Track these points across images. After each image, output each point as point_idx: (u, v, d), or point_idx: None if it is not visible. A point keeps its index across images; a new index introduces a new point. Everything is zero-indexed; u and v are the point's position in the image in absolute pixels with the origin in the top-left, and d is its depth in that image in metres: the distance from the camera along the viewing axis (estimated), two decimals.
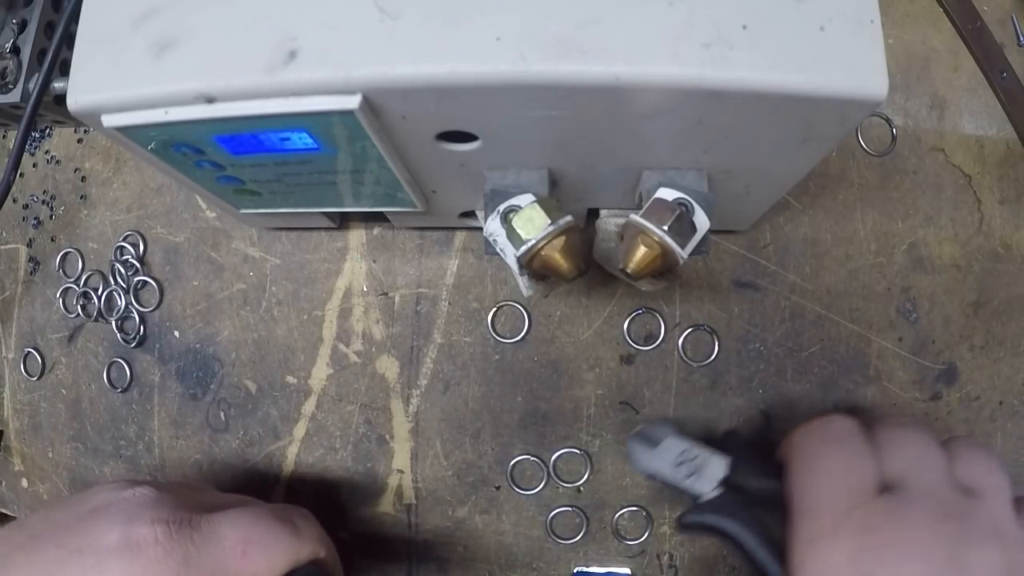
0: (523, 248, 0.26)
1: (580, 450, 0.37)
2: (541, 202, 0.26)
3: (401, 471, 0.39)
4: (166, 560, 0.25)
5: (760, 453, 0.31)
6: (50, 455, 0.43)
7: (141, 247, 0.41)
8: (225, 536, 0.27)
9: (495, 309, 0.38)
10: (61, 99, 0.37)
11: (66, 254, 0.42)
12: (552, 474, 0.38)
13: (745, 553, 0.29)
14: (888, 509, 0.26)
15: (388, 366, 0.38)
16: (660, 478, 0.31)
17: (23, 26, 0.36)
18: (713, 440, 0.32)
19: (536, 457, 0.38)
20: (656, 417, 0.33)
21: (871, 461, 0.27)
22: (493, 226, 0.27)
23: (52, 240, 0.43)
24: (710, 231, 0.27)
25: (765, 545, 0.28)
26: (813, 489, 0.28)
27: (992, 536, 0.25)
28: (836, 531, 0.26)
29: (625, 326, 0.37)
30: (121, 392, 0.41)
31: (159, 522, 0.26)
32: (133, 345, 0.41)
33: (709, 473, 0.30)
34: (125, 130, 0.23)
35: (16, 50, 0.36)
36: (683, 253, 0.25)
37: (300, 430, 0.39)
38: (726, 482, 0.30)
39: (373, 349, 0.38)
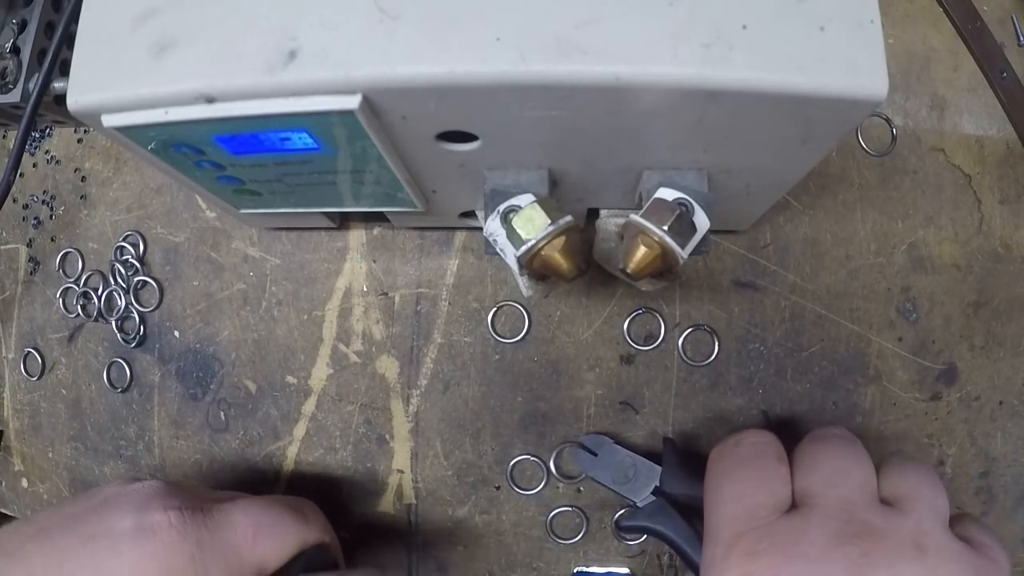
0: (523, 248, 0.26)
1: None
2: (541, 202, 0.26)
3: (401, 471, 0.39)
4: (180, 543, 0.25)
5: (694, 462, 0.33)
6: (50, 455, 0.43)
7: (141, 247, 0.41)
8: (237, 521, 0.28)
9: (495, 309, 0.38)
10: (61, 99, 0.37)
11: (66, 254, 0.42)
12: (552, 474, 0.38)
13: (680, 554, 0.32)
14: (784, 531, 0.25)
15: (388, 366, 0.38)
16: (601, 482, 0.34)
17: (23, 26, 0.36)
18: (650, 452, 0.35)
19: (536, 457, 0.38)
20: (597, 432, 0.37)
21: (778, 481, 0.27)
22: (493, 226, 0.27)
23: (52, 240, 0.43)
24: (710, 231, 0.27)
25: (693, 549, 0.31)
26: (714, 512, 0.27)
27: (911, 552, 0.24)
28: (727, 556, 0.25)
29: (625, 326, 0.37)
30: (121, 392, 0.41)
31: (172, 508, 0.26)
32: (133, 345, 0.41)
33: (643, 482, 0.33)
34: (125, 130, 0.23)
35: (16, 50, 0.36)
36: (683, 253, 0.25)
37: (300, 430, 0.39)
38: (659, 490, 0.33)
39: (373, 349, 0.38)
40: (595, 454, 0.35)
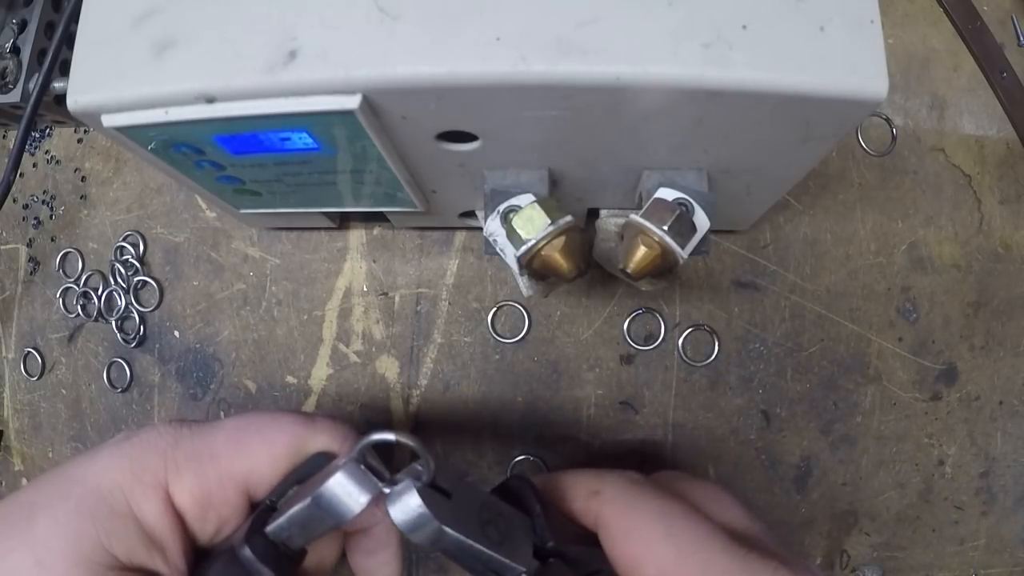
0: (523, 248, 0.26)
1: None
2: (541, 202, 0.26)
3: None
4: (155, 440, 0.23)
5: (555, 508, 0.25)
6: (50, 455, 0.43)
7: (141, 247, 0.41)
8: (222, 426, 0.25)
9: (495, 309, 0.38)
10: (61, 99, 0.37)
11: (66, 254, 0.42)
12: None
13: None
14: None
15: (388, 366, 0.38)
16: (463, 547, 0.21)
17: (23, 26, 0.36)
18: (492, 490, 0.26)
19: (536, 457, 0.38)
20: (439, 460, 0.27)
21: None
22: (493, 226, 0.27)
23: (52, 240, 0.43)
24: (710, 231, 0.26)
25: None
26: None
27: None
28: None
29: (625, 326, 0.37)
30: (121, 392, 0.41)
31: (160, 423, 0.24)
32: (133, 345, 0.41)
33: (518, 537, 0.23)
34: (125, 130, 0.23)
35: (16, 50, 0.36)
36: (683, 253, 0.25)
37: None
38: (545, 550, 0.23)
39: (373, 349, 0.38)
40: (448, 495, 0.22)
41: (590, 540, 0.24)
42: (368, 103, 0.22)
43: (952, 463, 0.38)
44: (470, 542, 0.21)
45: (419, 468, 0.21)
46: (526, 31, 0.21)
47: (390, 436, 0.22)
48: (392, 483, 0.21)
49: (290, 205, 0.32)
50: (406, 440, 0.21)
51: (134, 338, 0.41)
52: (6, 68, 0.36)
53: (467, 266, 0.38)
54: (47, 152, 0.44)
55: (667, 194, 0.26)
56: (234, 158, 0.26)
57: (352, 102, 0.21)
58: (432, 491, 0.21)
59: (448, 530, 0.21)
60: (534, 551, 0.23)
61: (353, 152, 0.25)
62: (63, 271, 0.43)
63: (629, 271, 0.26)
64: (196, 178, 0.28)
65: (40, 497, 0.22)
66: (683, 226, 0.25)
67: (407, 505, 0.21)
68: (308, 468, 0.24)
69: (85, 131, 0.43)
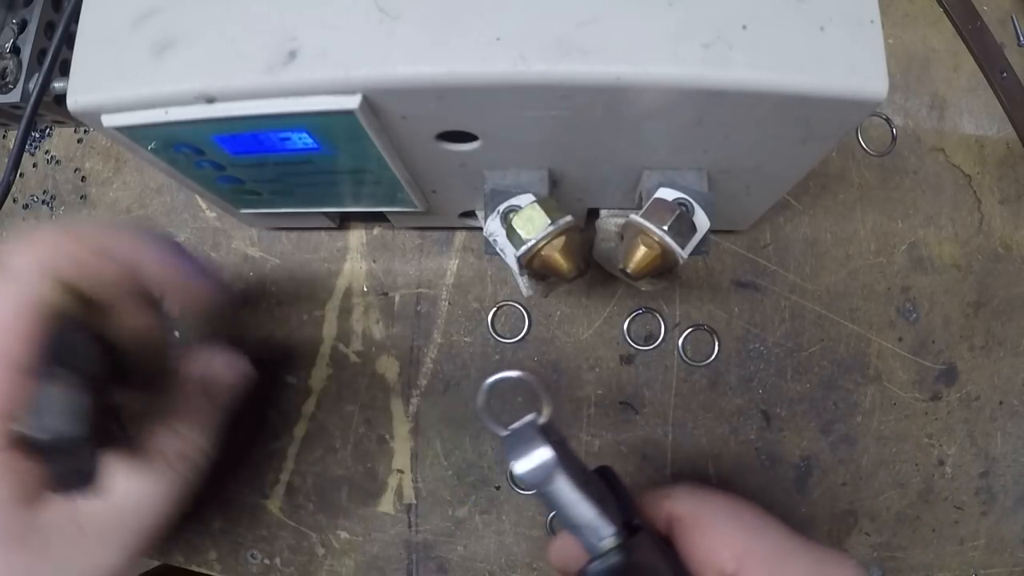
0: (523, 248, 0.26)
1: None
2: (541, 202, 0.26)
3: (401, 471, 0.38)
4: None
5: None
6: None
7: None
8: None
9: (495, 309, 0.38)
10: (61, 99, 0.37)
11: None
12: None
13: None
14: None
15: (388, 366, 0.38)
16: (568, 495, 0.22)
17: (23, 26, 0.36)
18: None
19: None
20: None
21: None
22: (493, 226, 0.27)
23: None
24: (710, 231, 0.27)
25: None
26: None
27: None
28: None
29: (625, 326, 0.37)
30: None
31: None
32: None
33: (609, 503, 0.23)
34: (125, 130, 0.23)
35: (16, 50, 0.36)
36: (683, 253, 0.25)
37: (300, 430, 0.39)
38: (629, 525, 0.23)
39: (373, 349, 0.38)
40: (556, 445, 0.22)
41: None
42: (368, 103, 0.22)
43: (952, 463, 0.38)
44: (578, 491, 0.22)
45: (531, 416, 0.22)
46: (526, 31, 0.21)
47: (513, 373, 0.24)
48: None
49: (290, 205, 0.32)
50: (528, 378, 0.23)
51: None
52: (6, 68, 0.36)
53: (467, 266, 0.38)
54: (47, 152, 0.43)
55: (667, 194, 0.26)
56: (234, 158, 0.26)
57: (352, 102, 0.21)
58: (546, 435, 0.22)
59: (562, 473, 0.21)
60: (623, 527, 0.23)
61: (353, 152, 0.25)
62: None
63: (629, 271, 0.26)
64: (196, 178, 0.28)
65: None
66: (683, 226, 0.25)
67: (528, 443, 0.21)
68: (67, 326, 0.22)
69: (85, 131, 0.43)
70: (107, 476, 0.22)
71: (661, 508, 0.25)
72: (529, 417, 0.22)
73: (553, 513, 0.37)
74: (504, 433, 0.22)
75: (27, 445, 0.21)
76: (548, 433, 0.22)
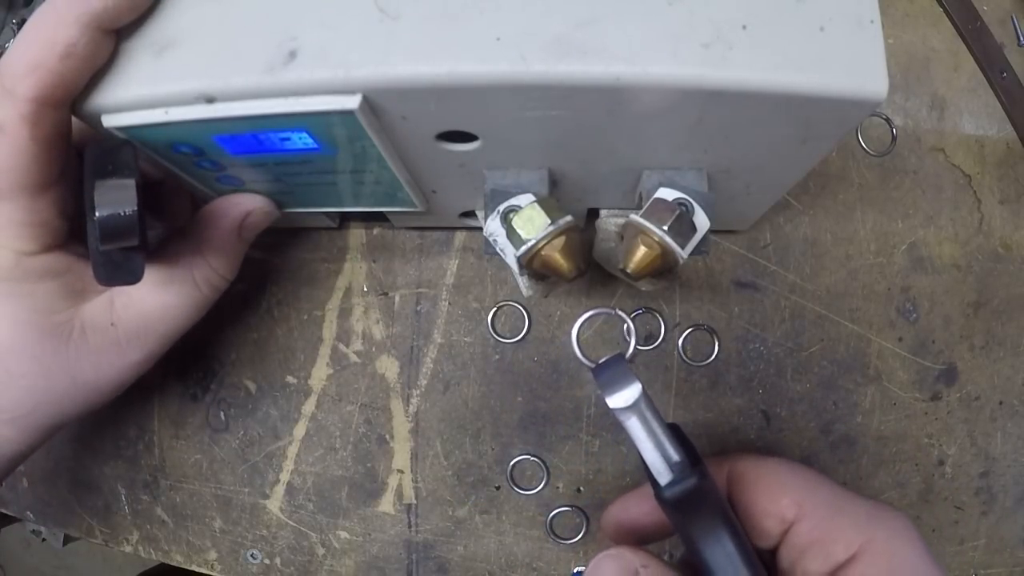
0: (523, 248, 0.26)
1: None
2: (541, 202, 0.26)
3: (401, 471, 0.39)
4: None
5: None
6: (50, 455, 0.43)
7: None
8: None
9: (495, 309, 0.38)
10: None
11: None
12: (552, 474, 0.38)
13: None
14: None
15: (388, 366, 0.38)
16: (650, 423, 0.24)
17: (23, 26, 0.36)
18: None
19: (536, 457, 0.38)
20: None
21: None
22: (493, 226, 0.27)
23: None
24: (710, 231, 0.27)
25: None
26: None
27: None
28: None
29: (625, 326, 0.37)
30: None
31: None
32: None
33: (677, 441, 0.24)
34: (125, 130, 0.23)
35: None
36: (683, 253, 0.25)
37: (300, 430, 0.39)
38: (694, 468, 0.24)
39: (373, 349, 0.38)
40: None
41: None
42: (368, 103, 0.22)
43: (952, 463, 0.38)
44: (658, 418, 0.24)
45: (620, 352, 0.25)
46: (526, 31, 0.21)
47: (604, 310, 0.27)
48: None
49: (290, 205, 0.32)
50: (619, 314, 0.27)
51: None
52: None
53: (467, 266, 0.38)
54: None
55: (667, 194, 0.26)
56: (234, 158, 0.26)
57: (352, 102, 0.21)
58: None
59: (649, 405, 0.24)
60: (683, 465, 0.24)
61: (353, 152, 0.25)
62: None
63: (629, 271, 0.26)
64: (196, 178, 0.28)
65: None
66: (683, 226, 0.25)
67: (620, 376, 0.24)
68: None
69: None
70: (144, 287, 0.26)
71: (721, 469, 0.27)
72: (618, 353, 0.25)
73: (556, 512, 0.37)
74: (593, 366, 0.25)
75: (79, 244, 0.27)
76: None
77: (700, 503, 0.23)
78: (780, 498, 0.25)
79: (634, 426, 0.24)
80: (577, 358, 0.26)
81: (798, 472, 0.26)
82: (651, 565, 0.24)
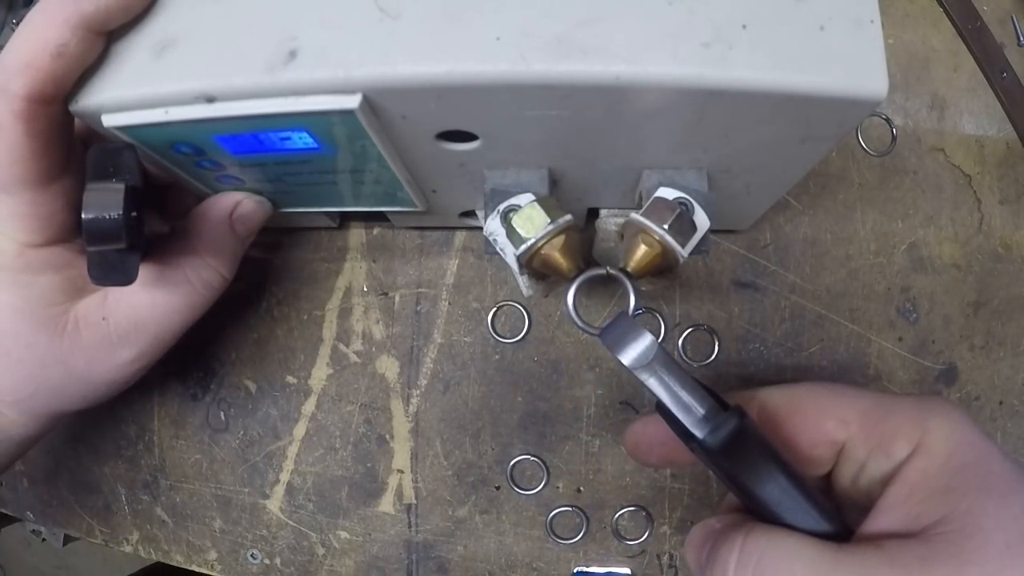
0: (523, 247, 0.26)
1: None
2: (541, 201, 0.26)
3: (401, 471, 0.39)
4: None
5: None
6: (50, 455, 0.43)
7: None
8: None
9: (495, 309, 0.38)
10: None
11: None
12: (552, 474, 0.38)
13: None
14: None
15: (388, 366, 0.38)
16: (672, 370, 0.23)
17: None
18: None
19: (536, 457, 0.38)
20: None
21: None
22: (493, 226, 0.27)
23: None
24: (710, 231, 0.27)
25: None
26: None
27: None
28: None
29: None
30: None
31: None
32: None
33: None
34: (125, 130, 0.23)
35: None
36: (683, 252, 0.25)
37: (300, 430, 0.39)
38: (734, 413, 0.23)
39: (373, 349, 0.38)
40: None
41: None
42: (368, 103, 0.22)
43: None
44: (678, 368, 0.23)
45: (622, 311, 0.24)
46: (526, 31, 0.21)
47: (600, 271, 0.26)
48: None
49: (290, 205, 0.32)
50: (615, 273, 0.26)
51: None
52: None
53: (467, 266, 0.38)
54: None
55: (667, 193, 0.26)
56: (234, 158, 0.26)
57: (352, 102, 0.21)
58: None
59: (665, 356, 0.23)
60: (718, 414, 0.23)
61: (353, 152, 0.25)
62: None
63: (629, 270, 0.26)
64: (196, 178, 0.28)
65: None
66: (683, 225, 0.25)
67: (628, 332, 0.23)
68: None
69: None
70: (137, 285, 0.26)
71: (750, 406, 0.25)
72: (620, 312, 0.24)
73: (556, 512, 0.37)
74: (597, 332, 0.24)
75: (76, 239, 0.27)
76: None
77: (745, 444, 0.22)
78: (824, 423, 0.24)
79: (656, 380, 0.23)
80: (579, 327, 0.25)
81: (832, 391, 0.25)
82: (724, 519, 0.24)
